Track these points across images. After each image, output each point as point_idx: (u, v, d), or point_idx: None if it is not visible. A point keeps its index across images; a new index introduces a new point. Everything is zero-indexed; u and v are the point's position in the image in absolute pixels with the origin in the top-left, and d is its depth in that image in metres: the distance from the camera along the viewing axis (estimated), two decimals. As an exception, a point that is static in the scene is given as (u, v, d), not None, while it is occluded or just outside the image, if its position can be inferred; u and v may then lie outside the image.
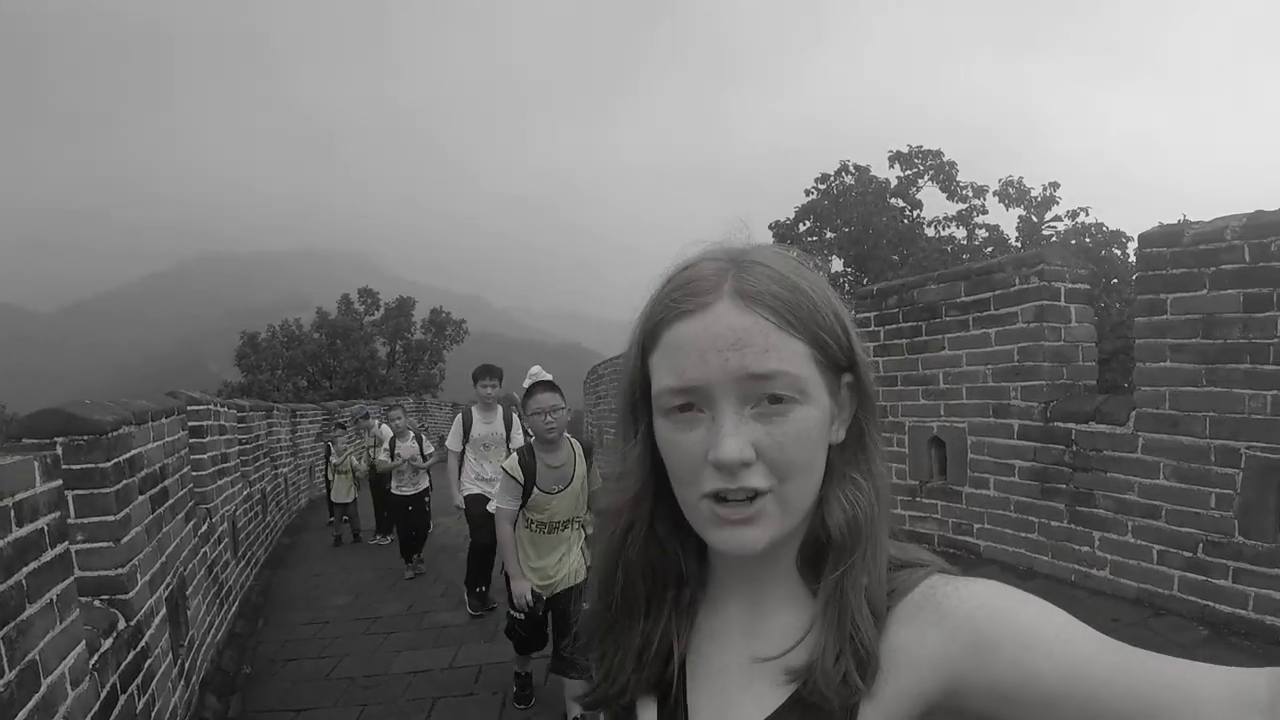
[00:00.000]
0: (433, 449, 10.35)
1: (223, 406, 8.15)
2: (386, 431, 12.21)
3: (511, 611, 4.88)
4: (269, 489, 11.38)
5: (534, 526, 4.82)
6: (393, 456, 9.90)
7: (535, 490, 4.69)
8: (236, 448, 8.71)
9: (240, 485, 8.79)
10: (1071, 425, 6.08)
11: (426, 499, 9.93)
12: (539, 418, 4.66)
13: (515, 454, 4.93)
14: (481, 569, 7.53)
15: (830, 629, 0.86)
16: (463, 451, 7.57)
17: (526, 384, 12.66)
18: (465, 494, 7.48)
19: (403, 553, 9.57)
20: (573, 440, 4.91)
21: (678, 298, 0.87)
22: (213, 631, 6.37)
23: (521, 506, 4.75)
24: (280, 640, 7.20)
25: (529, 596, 4.73)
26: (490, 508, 5.79)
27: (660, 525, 0.97)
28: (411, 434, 10.13)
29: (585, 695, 1.04)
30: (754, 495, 0.84)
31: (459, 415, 7.79)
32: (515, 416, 7.81)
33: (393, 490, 9.91)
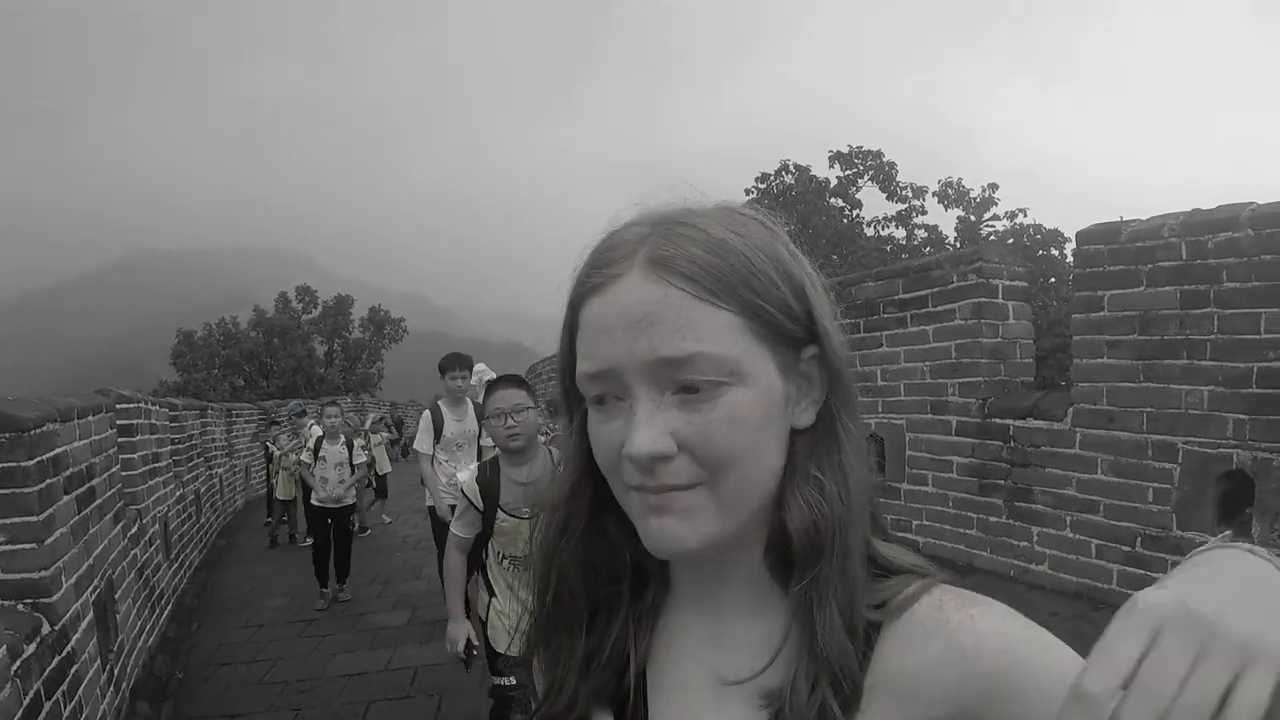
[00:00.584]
0: (364, 458, 8.97)
1: (154, 405, 8.00)
2: (319, 432, 11.93)
3: (497, 680, 3.83)
4: (203, 490, 11.18)
5: (506, 563, 3.75)
6: (317, 456, 8.45)
7: (500, 515, 3.65)
8: (169, 447, 8.55)
9: (173, 486, 8.61)
10: (1009, 421, 6.16)
11: (352, 517, 8.78)
12: (498, 421, 3.65)
13: (475, 469, 3.92)
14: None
15: (802, 650, 0.76)
16: (433, 454, 6.67)
17: (471, 381, 12.41)
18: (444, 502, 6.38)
19: (316, 574, 8.23)
20: (553, 450, 3.79)
21: (590, 270, 0.77)
22: (144, 636, 6.23)
23: (488, 535, 3.74)
24: (214, 644, 7.06)
25: (461, 645, 3.88)
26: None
27: (610, 520, 0.85)
28: (343, 438, 8.63)
29: (531, 715, 0.93)
30: (683, 488, 0.74)
31: (426, 413, 6.97)
32: None
33: (312, 500, 8.50)
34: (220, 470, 13.25)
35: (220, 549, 11.53)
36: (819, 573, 0.76)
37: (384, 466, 13.15)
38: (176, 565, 8.41)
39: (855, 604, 0.76)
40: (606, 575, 0.87)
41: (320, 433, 9.63)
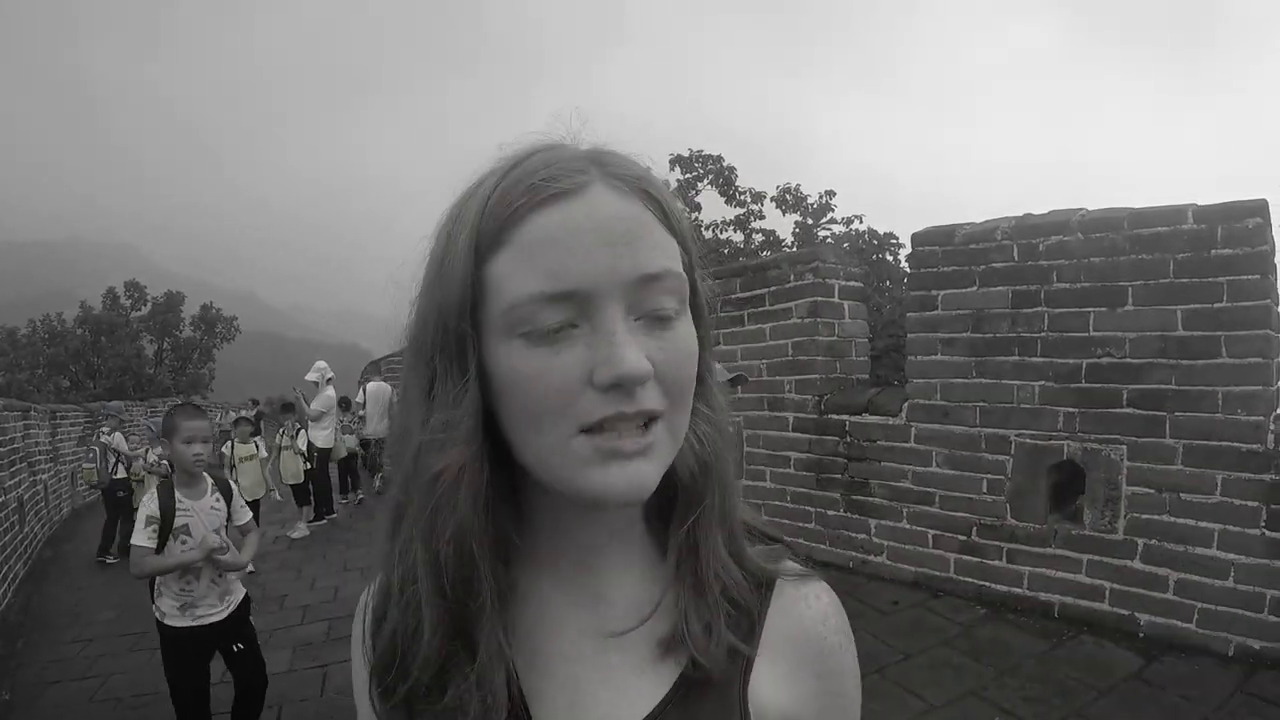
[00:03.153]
0: (245, 507, 4.44)
1: (-30, 409, 7.60)
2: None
3: None
4: (26, 497, 10.61)
5: None
6: (167, 534, 3.90)
7: None
8: (-12, 453, 8.12)
9: (-7, 494, 8.19)
10: (845, 417, 6.39)
11: (247, 625, 4.39)
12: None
13: None
14: None
15: (687, 591, 0.74)
16: None
17: (313, 377, 11.71)
18: None
19: None
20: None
21: (546, 176, 0.67)
22: (-36, 655, 5.92)
23: None
24: (42, 662, 6.72)
25: None
26: None
27: (494, 496, 0.72)
28: (210, 481, 4.18)
29: None
30: (648, 421, 0.67)
31: None
32: None
33: (165, 620, 3.97)
34: (45, 476, 12.57)
35: (46, 560, 10.92)
36: (705, 507, 0.75)
37: (258, 489, 9.96)
38: (-1, 579, 8.00)
39: (738, 539, 0.79)
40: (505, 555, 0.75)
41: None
